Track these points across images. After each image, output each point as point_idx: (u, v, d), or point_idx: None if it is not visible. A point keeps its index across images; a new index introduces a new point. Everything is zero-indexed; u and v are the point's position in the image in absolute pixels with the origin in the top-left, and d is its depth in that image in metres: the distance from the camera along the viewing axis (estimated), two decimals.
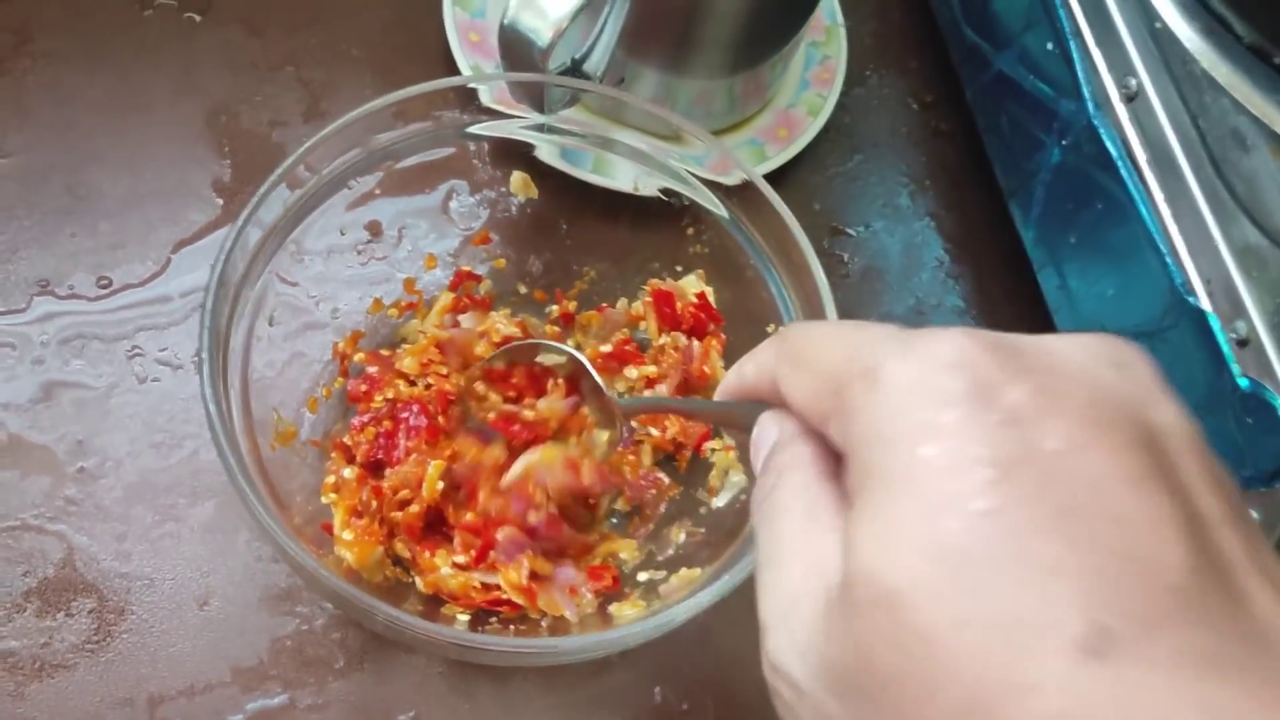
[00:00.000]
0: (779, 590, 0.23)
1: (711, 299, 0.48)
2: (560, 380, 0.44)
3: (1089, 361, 0.21)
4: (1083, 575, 0.18)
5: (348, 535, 0.41)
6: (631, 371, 0.48)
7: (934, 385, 0.20)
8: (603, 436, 0.43)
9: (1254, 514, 0.43)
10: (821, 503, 0.23)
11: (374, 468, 0.44)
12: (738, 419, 0.29)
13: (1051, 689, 0.18)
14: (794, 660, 0.22)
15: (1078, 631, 0.18)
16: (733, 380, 0.29)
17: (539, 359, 0.44)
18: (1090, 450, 0.20)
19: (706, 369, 0.47)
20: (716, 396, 0.31)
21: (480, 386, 0.45)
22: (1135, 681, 0.18)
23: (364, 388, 0.45)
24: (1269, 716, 0.17)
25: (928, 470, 0.20)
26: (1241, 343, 0.42)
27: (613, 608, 0.43)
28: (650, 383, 0.47)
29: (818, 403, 0.24)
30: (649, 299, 0.49)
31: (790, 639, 0.22)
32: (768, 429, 0.26)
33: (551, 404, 0.44)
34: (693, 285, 0.49)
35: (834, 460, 0.24)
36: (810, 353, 0.24)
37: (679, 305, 0.48)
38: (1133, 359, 0.22)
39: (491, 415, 0.44)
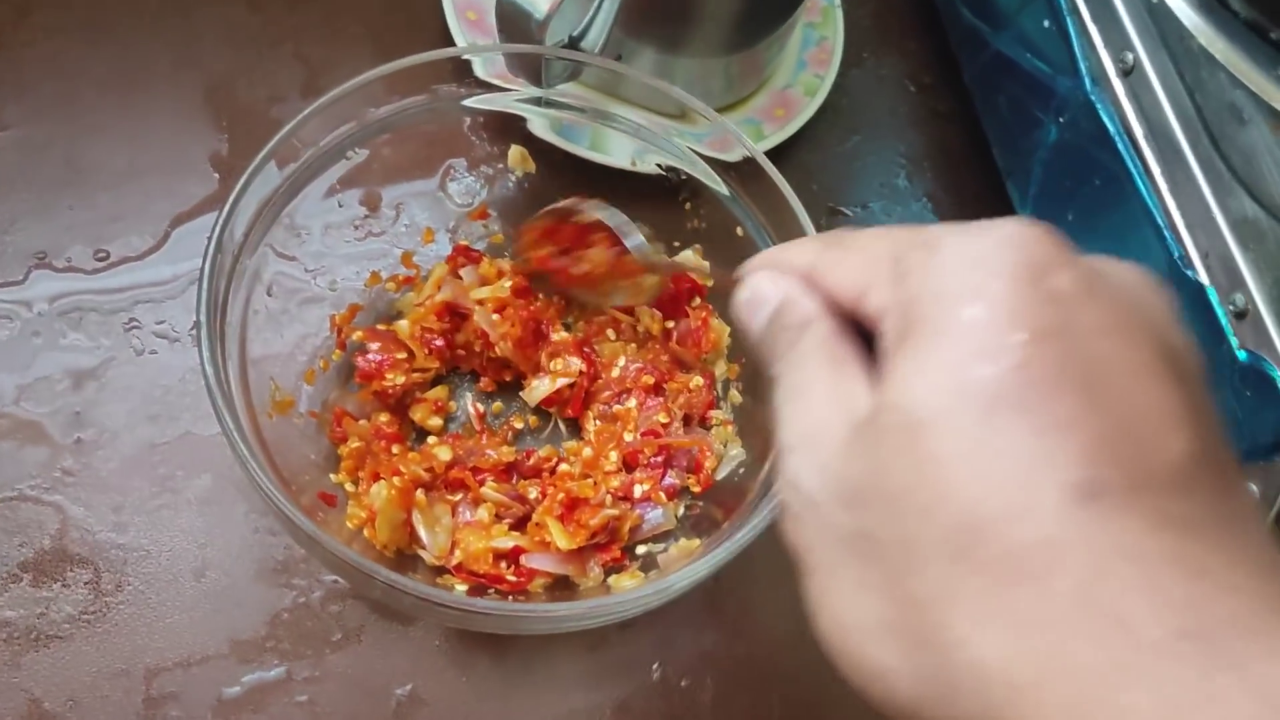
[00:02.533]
0: (805, 417, 0.25)
1: (708, 278, 0.48)
2: (602, 235, 0.45)
3: (1127, 278, 0.24)
4: (1091, 433, 0.20)
5: (380, 489, 0.42)
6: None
7: (992, 256, 0.22)
8: (649, 280, 0.44)
9: (1253, 487, 0.43)
10: (842, 351, 0.25)
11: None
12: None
13: (1039, 518, 0.20)
14: (812, 475, 0.24)
15: (1075, 476, 0.20)
16: (763, 261, 0.30)
17: (577, 218, 0.46)
18: (1121, 337, 0.21)
19: (712, 335, 0.47)
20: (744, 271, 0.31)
21: (533, 239, 0.46)
22: (1117, 525, 0.20)
23: (374, 365, 0.45)
24: (1228, 566, 0.20)
25: (973, 324, 0.21)
26: (1239, 315, 0.42)
27: (611, 579, 0.43)
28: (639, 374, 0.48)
29: (864, 273, 0.25)
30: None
31: (811, 457, 0.24)
32: (764, 290, 0.28)
33: (598, 253, 0.45)
34: (690, 260, 0.49)
35: (840, 318, 0.26)
36: (863, 239, 0.26)
37: None
38: (1159, 288, 0.24)
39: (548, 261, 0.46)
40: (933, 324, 0.22)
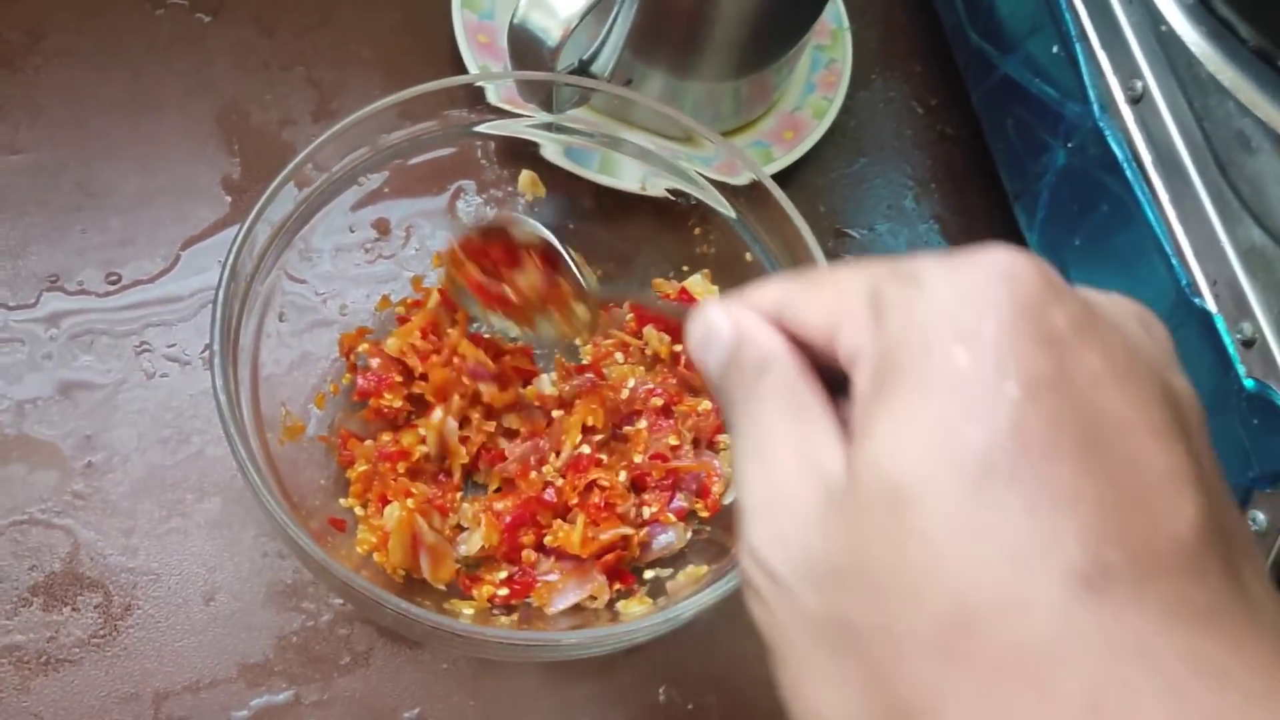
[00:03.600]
0: (766, 481, 0.22)
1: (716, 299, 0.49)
2: (535, 255, 0.44)
3: (1121, 312, 0.22)
4: (1094, 508, 0.18)
5: (393, 510, 0.42)
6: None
7: (979, 292, 0.20)
8: (581, 310, 0.43)
9: (1260, 516, 0.43)
10: (809, 398, 0.22)
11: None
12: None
13: (1041, 612, 0.18)
14: (776, 550, 0.21)
15: (1079, 562, 0.18)
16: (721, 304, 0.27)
17: (514, 234, 0.44)
18: (1120, 390, 0.19)
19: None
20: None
21: (460, 257, 0.44)
22: (1126, 621, 0.18)
23: (373, 383, 0.45)
24: (1251, 672, 0.18)
25: (958, 374, 0.19)
26: (1247, 343, 0.43)
27: (620, 604, 0.43)
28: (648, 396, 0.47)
29: (836, 309, 0.22)
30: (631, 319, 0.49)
31: (774, 528, 0.21)
32: (717, 323, 0.24)
33: (528, 277, 0.43)
34: (698, 286, 0.49)
35: (806, 359, 0.23)
36: (833, 276, 0.23)
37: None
38: (1155, 323, 0.22)
39: (474, 279, 0.44)
40: (915, 372, 0.20)
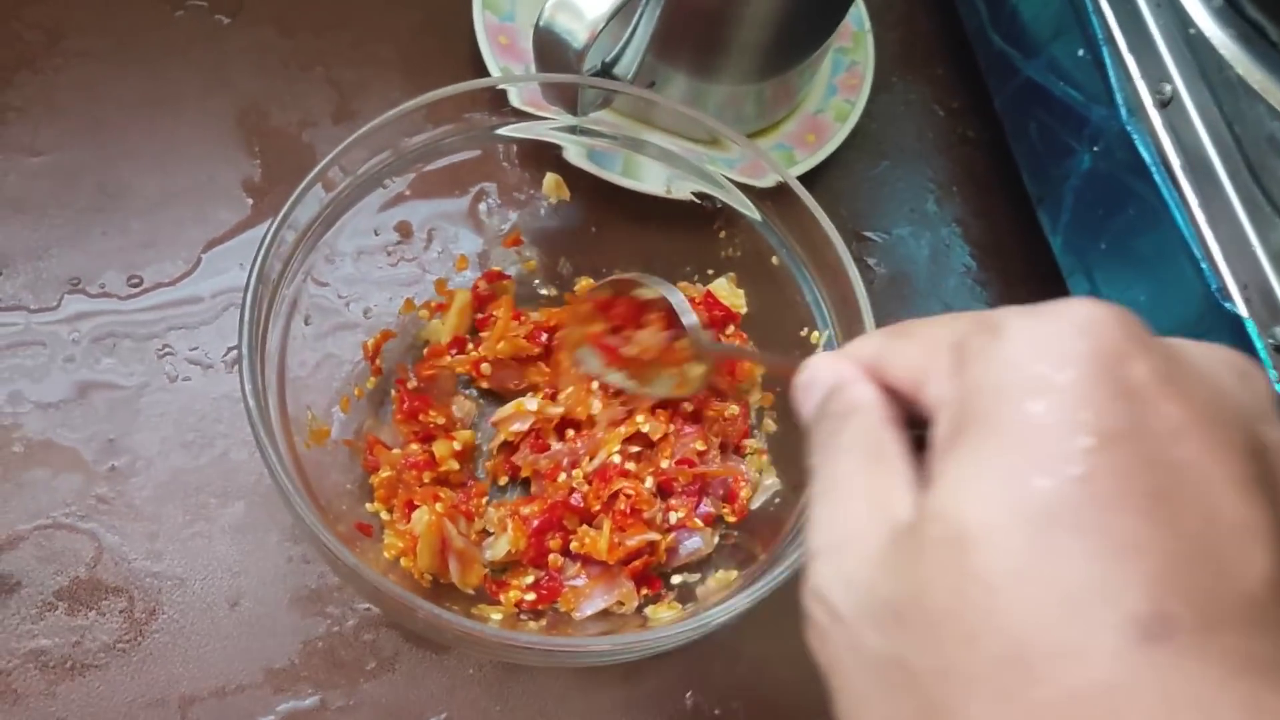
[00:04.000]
0: (836, 522, 0.23)
1: (741, 306, 0.48)
2: (657, 315, 0.45)
3: (1213, 363, 0.22)
4: (1158, 558, 0.18)
5: (421, 515, 0.42)
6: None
7: (1059, 343, 0.20)
8: (695, 370, 0.44)
9: None
10: (888, 446, 0.23)
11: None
12: None
13: (1097, 660, 0.18)
14: (839, 589, 0.22)
15: (1140, 611, 0.18)
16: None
17: (636, 292, 0.45)
18: (1199, 441, 0.19)
19: (746, 364, 0.47)
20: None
21: (586, 311, 0.46)
22: (1186, 671, 0.18)
23: (418, 403, 0.45)
24: None
25: (1032, 425, 0.19)
26: (1279, 349, 0.42)
27: (649, 610, 0.43)
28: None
29: (924, 361, 0.23)
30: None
31: (840, 568, 0.22)
32: (821, 372, 0.26)
33: (650, 336, 0.45)
34: (723, 289, 0.49)
35: (900, 410, 0.24)
36: (924, 328, 0.24)
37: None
38: (1254, 373, 0.22)
39: (600, 335, 0.46)
40: (990, 422, 0.20)
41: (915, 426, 0.24)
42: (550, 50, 0.45)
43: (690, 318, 0.44)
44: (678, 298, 0.44)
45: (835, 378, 0.25)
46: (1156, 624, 0.18)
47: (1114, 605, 0.18)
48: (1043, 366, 0.20)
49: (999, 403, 0.20)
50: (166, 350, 0.48)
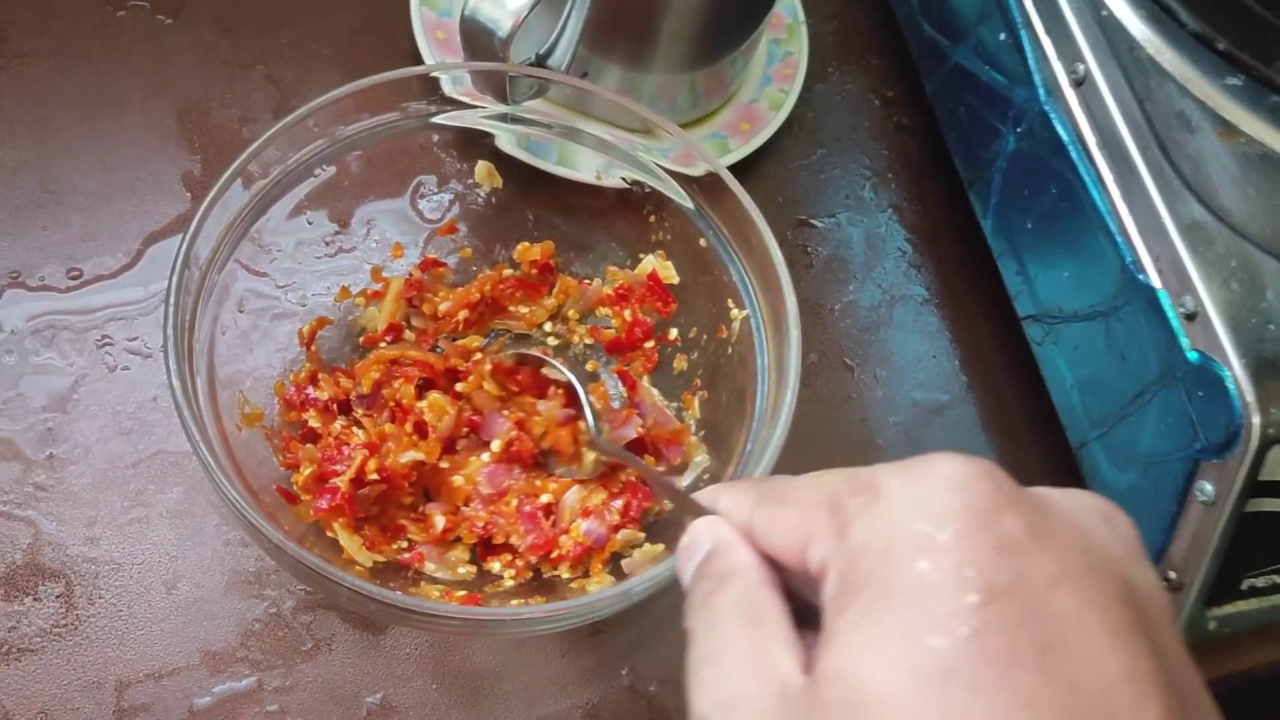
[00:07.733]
0: (721, 686, 0.23)
1: (673, 277, 0.49)
2: (560, 390, 0.47)
3: (1078, 511, 0.22)
4: (1055, 714, 0.19)
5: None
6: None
7: (934, 501, 0.21)
8: (589, 458, 0.45)
9: (1208, 486, 0.44)
10: (768, 608, 0.23)
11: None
12: (691, 509, 0.29)
13: None
14: None
15: None
16: (706, 501, 0.28)
17: (544, 370, 0.47)
18: (1077, 592, 0.20)
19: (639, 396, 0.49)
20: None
21: (488, 374, 0.47)
22: None
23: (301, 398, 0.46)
24: None
25: (922, 584, 0.20)
26: (1190, 317, 0.43)
27: (577, 583, 0.43)
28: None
29: (804, 524, 0.23)
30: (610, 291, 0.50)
31: None
32: (700, 536, 0.26)
33: (550, 409, 0.46)
34: (654, 264, 0.50)
35: (774, 573, 0.24)
36: (797, 490, 0.24)
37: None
38: (1118, 517, 0.23)
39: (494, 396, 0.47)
40: (880, 581, 0.21)
41: (790, 596, 0.24)
42: (476, 39, 0.46)
43: (589, 417, 0.45)
44: (582, 391, 0.46)
45: (714, 541, 0.25)
46: None
47: None
48: (923, 524, 0.21)
49: (887, 562, 0.21)
50: (106, 341, 0.48)
